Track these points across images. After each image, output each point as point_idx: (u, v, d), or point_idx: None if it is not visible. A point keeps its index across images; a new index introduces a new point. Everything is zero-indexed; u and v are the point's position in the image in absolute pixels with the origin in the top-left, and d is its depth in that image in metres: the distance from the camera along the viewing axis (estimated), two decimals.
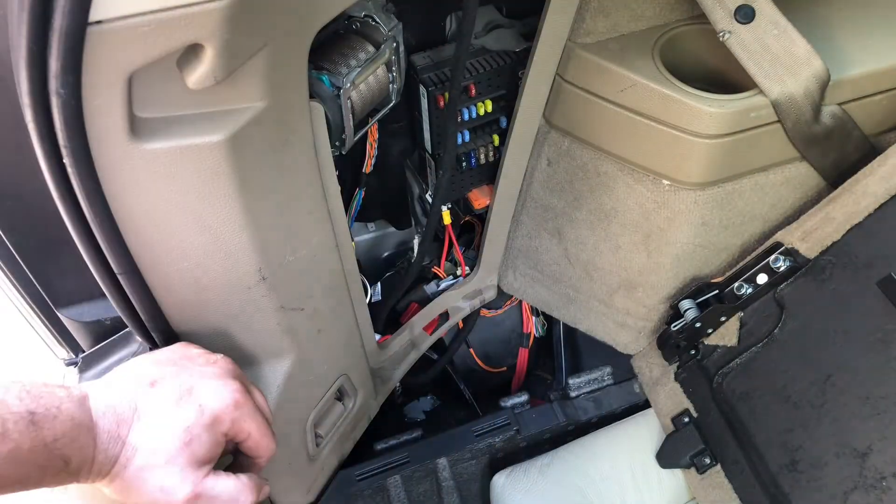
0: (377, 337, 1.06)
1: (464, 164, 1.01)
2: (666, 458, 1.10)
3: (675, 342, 1.05)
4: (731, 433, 1.02)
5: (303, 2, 0.57)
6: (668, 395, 1.11)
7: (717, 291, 1.00)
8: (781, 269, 0.93)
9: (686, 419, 1.08)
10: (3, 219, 0.72)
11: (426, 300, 1.15)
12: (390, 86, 0.83)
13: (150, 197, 0.57)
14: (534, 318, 1.38)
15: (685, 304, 1.01)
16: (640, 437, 1.14)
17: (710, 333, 1.04)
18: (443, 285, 1.17)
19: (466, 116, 0.96)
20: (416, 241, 1.11)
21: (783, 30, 0.79)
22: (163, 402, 0.61)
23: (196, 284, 0.66)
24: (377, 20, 0.78)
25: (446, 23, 0.95)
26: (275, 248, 0.69)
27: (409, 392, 1.44)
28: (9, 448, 0.52)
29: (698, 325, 1.01)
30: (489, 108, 0.96)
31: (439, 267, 1.17)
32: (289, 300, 0.75)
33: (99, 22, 0.45)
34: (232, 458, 0.69)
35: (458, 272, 1.17)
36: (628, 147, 0.89)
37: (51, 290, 0.79)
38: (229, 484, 0.62)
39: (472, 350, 1.38)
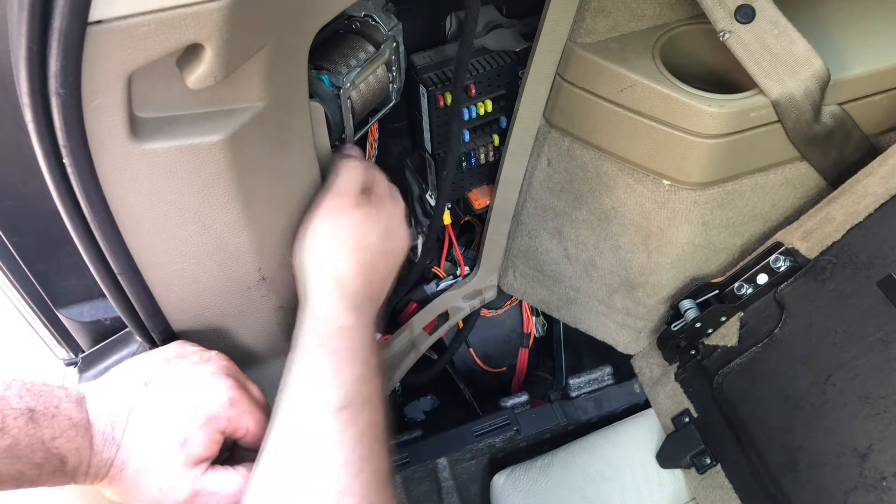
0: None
1: (464, 164, 1.01)
2: (666, 458, 1.10)
3: (676, 342, 1.05)
4: (731, 433, 1.02)
5: (303, 2, 0.57)
6: (669, 395, 1.11)
7: (717, 291, 1.00)
8: (781, 269, 0.93)
9: (686, 419, 1.08)
10: (3, 219, 0.72)
11: (426, 300, 1.15)
12: (390, 86, 0.83)
13: (150, 197, 0.57)
14: (534, 318, 1.38)
15: (685, 304, 1.01)
16: (640, 437, 1.14)
17: (711, 333, 1.04)
18: (442, 285, 1.17)
19: (466, 116, 0.96)
20: (418, 242, 1.12)
21: (783, 29, 0.79)
22: (156, 403, 0.61)
23: (196, 284, 0.66)
24: (377, 20, 0.78)
25: (446, 23, 0.95)
26: (274, 248, 0.69)
27: (409, 392, 1.44)
28: (7, 443, 0.52)
29: (698, 325, 1.01)
30: (489, 108, 0.96)
31: (439, 267, 1.17)
32: (289, 300, 0.75)
33: (99, 22, 0.45)
34: (229, 452, 0.69)
35: (458, 272, 1.17)
36: (628, 147, 0.89)
37: (50, 290, 0.79)
38: (229, 478, 0.62)
39: (472, 350, 1.38)
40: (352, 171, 0.70)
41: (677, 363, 1.10)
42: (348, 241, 0.67)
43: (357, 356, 0.63)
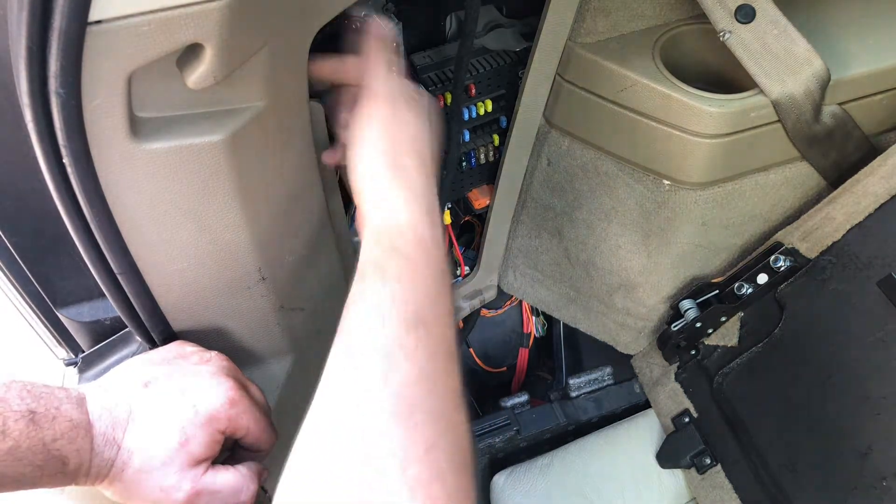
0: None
1: (464, 164, 1.01)
2: (666, 458, 1.10)
3: (676, 342, 1.05)
4: (731, 433, 1.02)
5: (303, 2, 0.57)
6: (669, 396, 1.11)
7: (717, 291, 1.00)
8: (782, 269, 0.93)
9: (686, 419, 1.08)
10: (3, 219, 0.72)
11: None
12: None
13: (150, 197, 0.57)
14: (534, 318, 1.38)
15: (685, 304, 1.01)
16: (640, 437, 1.15)
17: (711, 333, 1.04)
18: None
19: (466, 116, 0.96)
20: None
21: (783, 29, 0.79)
22: (156, 403, 0.61)
23: (195, 284, 0.66)
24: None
25: (446, 23, 0.95)
26: (274, 247, 0.69)
27: None
28: (8, 446, 0.52)
29: (699, 325, 1.01)
30: (489, 108, 0.96)
31: None
32: (289, 300, 0.75)
33: (98, 22, 0.45)
34: (229, 452, 0.69)
35: (458, 272, 1.17)
36: (628, 147, 0.89)
37: (50, 290, 0.78)
38: (229, 477, 0.62)
39: (472, 350, 1.38)
40: (385, 50, 0.62)
41: (677, 363, 1.10)
42: (403, 134, 0.59)
43: (431, 263, 0.56)
